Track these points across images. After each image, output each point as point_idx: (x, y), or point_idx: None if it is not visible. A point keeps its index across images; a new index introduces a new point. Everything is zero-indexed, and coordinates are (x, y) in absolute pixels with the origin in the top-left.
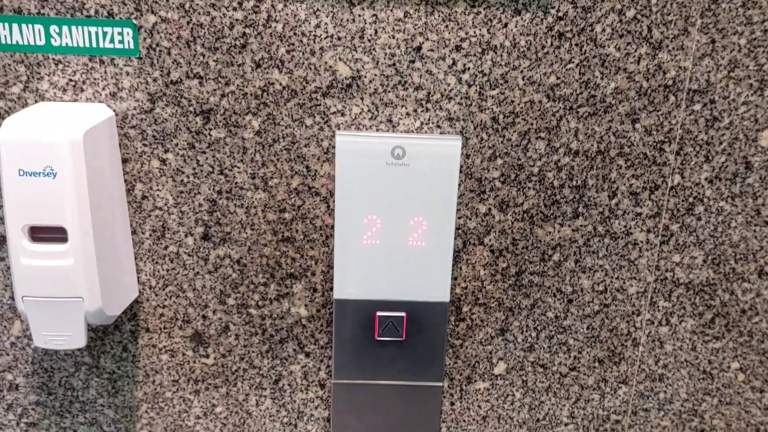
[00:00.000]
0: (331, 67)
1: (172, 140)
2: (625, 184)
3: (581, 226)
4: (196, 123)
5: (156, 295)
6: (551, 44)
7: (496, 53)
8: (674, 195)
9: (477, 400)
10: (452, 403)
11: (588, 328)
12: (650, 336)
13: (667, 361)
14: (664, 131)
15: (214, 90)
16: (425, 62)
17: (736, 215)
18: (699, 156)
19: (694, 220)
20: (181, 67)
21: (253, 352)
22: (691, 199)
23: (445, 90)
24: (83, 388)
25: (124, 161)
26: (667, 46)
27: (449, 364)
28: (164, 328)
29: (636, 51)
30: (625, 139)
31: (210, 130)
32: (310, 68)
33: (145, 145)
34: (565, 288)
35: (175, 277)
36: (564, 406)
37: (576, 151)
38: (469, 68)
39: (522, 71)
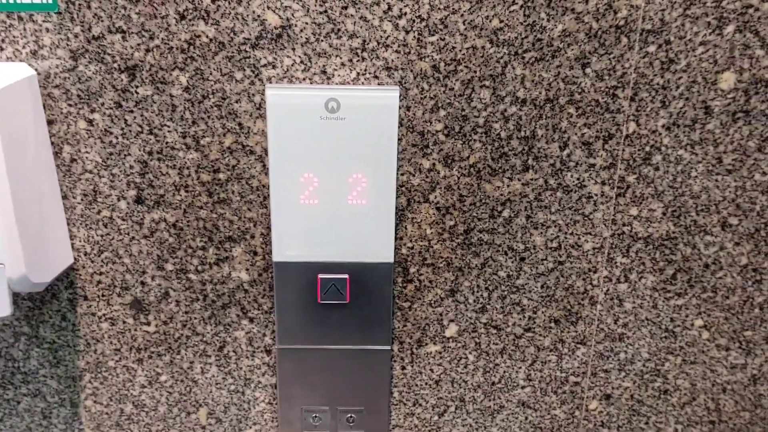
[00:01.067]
0: (259, 16)
1: (97, 99)
2: (576, 134)
3: (531, 179)
4: (122, 80)
5: (92, 262)
6: None
7: None
8: (629, 144)
9: (429, 363)
10: (403, 367)
11: (542, 287)
12: (608, 294)
13: (627, 319)
14: (617, 76)
15: (138, 45)
16: (359, 8)
17: (696, 164)
18: (655, 101)
19: (651, 170)
20: (102, 21)
21: (195, 318)
22: (647, 148)
23: (381, 37)
24: (24, 358)
25: (50, 122)
26: None
27: (398, 327)
28: (102, 295)
29: None
30: (575, 86)
31: (136, 87)
32: (238, 18)
33: (70, 105)
34: (517, 245)
35: (110, 242)
36: (520, 368)
37: (523, 99)
38: (405, 13)
39: (462, 15)
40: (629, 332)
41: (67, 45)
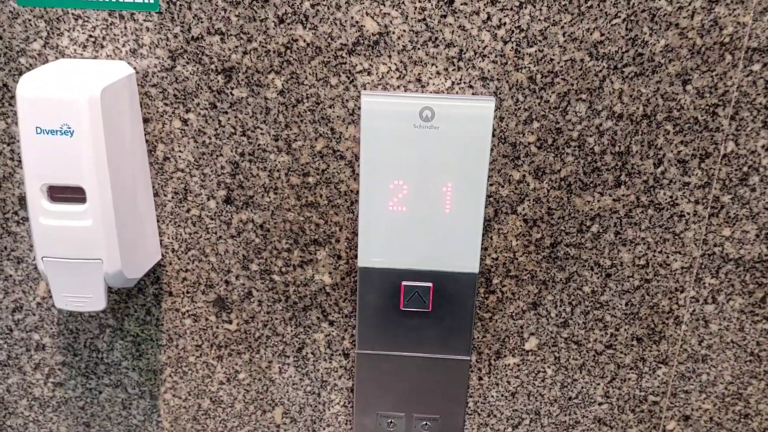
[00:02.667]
0: (357, 22)
1: (193, 99)
2: (672, 151)
3: (623, 195)
4: (218, 81)
5: (179, 259)
6: None
7: (534, 7)
8: (727, 164)
9: (506, 375)
10: (480, 378)
11: (627, 304)
12: (694, 314)
13: (712, 341)
14: (718, 94)
15: (236, 47)
16: (458, 17)
17: None
18: (756, 121)
19: (747, 191)
20: (202, 22)
21: (276, 319)
22: (745, 168)
23: (478, 47)
24: (108, 350)
25: (145, 121)
26: None
27: (478, 337)
28: (187, 292)
29: (690, 4)
30: (674, 102)
31: (232, 89)
32: (336, 24)
33: (166, 105)
34: (604, 261)
35: (197, 240)
36: (598, 384)
37: (620, 114)
38: (505, 23)
39: (563, 27)
40: (713, 354)
41: (167, 45)
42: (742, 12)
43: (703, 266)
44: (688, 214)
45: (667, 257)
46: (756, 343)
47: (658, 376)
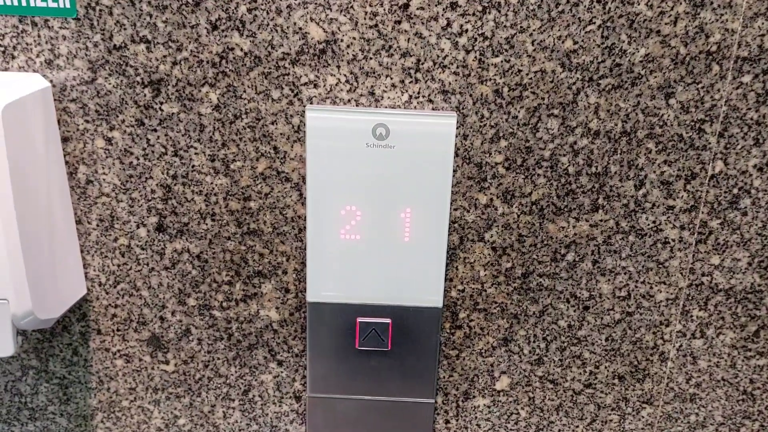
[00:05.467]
0: (301, 29)
1: (117, 116)
2: (655, 172)
3: (601, 220)
4: (145, 95)
5: (107, 293)
6: (568, 1)
7: (499, 12)
8: (715, 185)
9: (476, 418)
10: (447, 421)
11: (607, 339)
12: (681, 350)
13: (701, 379)
14: (705, 108)
15: (165, 57)
16: (414, 23)
17: None
18: (747, 139)
19: (738, 215)
20: (125, 29)
21: (219, 359)
22: (735, 191)
23: (437, 57)
24: (32, 393)
25: (65, 140)
26: (711, 3)
27: (444, 377)
28: (117, 330)
29: (672, 9)
30: (656, 118)
31: (161, 104)
32: (276, 30)
33: (87, 122)
34: (581, 293)
35: (127, 273)
36: (577, 427)
37: (596, 131)
38: (467, 30)
39: (531, 34)
40: (702, 393)
41: (86, 55)
42: (731, 18)
43: (690, 297)
44: (673, 240)
45: (651, 288)
46: (749, 380)
47: (642, 417)
